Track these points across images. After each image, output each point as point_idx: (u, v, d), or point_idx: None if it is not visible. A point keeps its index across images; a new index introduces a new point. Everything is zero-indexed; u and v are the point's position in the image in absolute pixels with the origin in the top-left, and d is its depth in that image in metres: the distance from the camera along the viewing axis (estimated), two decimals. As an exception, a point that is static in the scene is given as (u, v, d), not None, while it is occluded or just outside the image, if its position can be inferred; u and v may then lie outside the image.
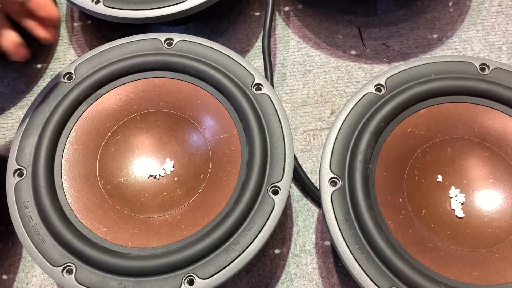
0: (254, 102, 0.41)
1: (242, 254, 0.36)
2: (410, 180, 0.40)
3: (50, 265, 0.36)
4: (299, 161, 0.49)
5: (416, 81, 0.42)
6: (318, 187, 0.46)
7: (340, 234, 0.36)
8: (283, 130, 0.40)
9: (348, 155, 0.39)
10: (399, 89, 0.41)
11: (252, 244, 0.36)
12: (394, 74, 0.42)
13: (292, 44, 0.57)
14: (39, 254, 0.37)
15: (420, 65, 0.43)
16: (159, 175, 0.42)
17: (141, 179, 0.42)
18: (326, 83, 0.54)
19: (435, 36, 0.57)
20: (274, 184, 0.38)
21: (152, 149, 0.43)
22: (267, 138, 0.40)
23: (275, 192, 0.38)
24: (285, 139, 0.40)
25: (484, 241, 0.38)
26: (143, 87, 0.44)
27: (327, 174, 0.39)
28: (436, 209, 0.40)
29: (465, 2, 0.59)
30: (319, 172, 0.39)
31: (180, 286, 0.35)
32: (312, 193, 0.48)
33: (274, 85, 0.53)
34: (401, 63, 0.45)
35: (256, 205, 0.38)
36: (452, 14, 0.58)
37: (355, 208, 0.37)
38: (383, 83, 0.42)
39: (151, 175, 0.42)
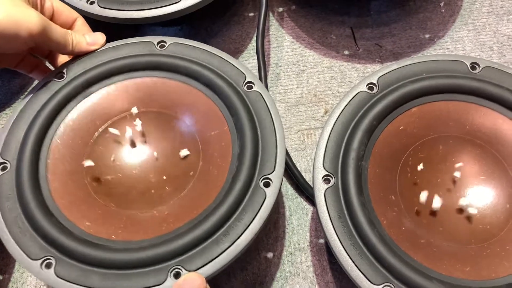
0: (245, 98, 0.41)
1: (233, 245, 0.35)
2: (403, 177, 0.41)
3: (28, 258, 0.35)
4: (293, 160, 0.50)
5: (407, 79, 0.42)
6: (312, 185, 0.46)
7: (333, 230, 0.37)
8: (274, 123, 0.40)
9: (341, 153, 0.40)
10: (391, 88, 0.42)
11: (242, 235, 0.36)
12: (386, 73, 0.43)
13: (285, 45, 0.57)
14: (17, 246, 0.36)
15: (411, 64, 0.43)
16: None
17: (129, 177, 0.42)
18: (320, 83, 0.55)
19: (427, 36, 0.57)
20: (265, 176, 0.38)
21: (142, 147, 0.43)
22: (258, 131, 0.40)
23: (267, 184, 0.38)
24: (277, 132, 0.40)
25: (476, 237, 0.38)
26: (134, 86, 0.44)
27: (321, 172, 0.39)
28: (429, 206, 0.40)
29: (456, 3, 0.59)
30: (313, 169, 0.39)
31: (166, 279, 0.34)
32: (306, 191, 0.48)
33: (268, 85, 0.53)
34: (393, 62, 0.45)
35: (247, 197, 0.37)
36: (443, 14, 0.59)
37: (348, 205, 0.37)
38: (375, 82, 0.42)
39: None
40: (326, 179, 0.39)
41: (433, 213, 0.40)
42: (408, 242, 0.37)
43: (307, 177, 0.49)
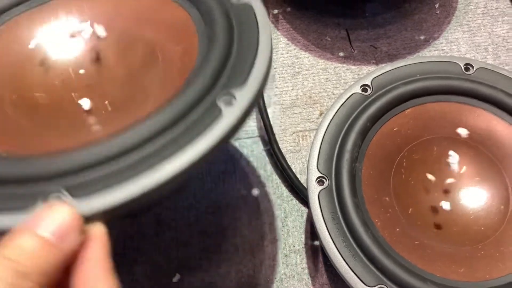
0: (228, 8, 0.33)
1: (148, 172, 0.24)
2: (397, 179, 0.41)
3: None
4: (288, 162, 0.50)
5: (401, 81, 0.42)
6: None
7: (327, 232, 0.37)
8: (259, 34, 0.31)
9: (335, 155, 0.40)
10: (385, 89, 0.42)
11: (168, 161, 0.25)
12: (380, 75, 0.43)
13: (281, 47, 0.58)
14: None
15: (405, 65, 0.43)
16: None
17: (64, 99, 0.34)
18: (315, 85, 0.55)
19: (422, 37, 0.57)
20: (229, 91, 0.28)
21: (91, 71, 0.36)
22: (235, 41, 0.31)
23: (228, 102, 0.27)
24: (260, 43, 0.30)
25: (470, 238, 0.38)
26: (97, 2, 0.37)
27: (314, 174, 0.39)
28: (423, 207, 0.40)
29: (451, 4, 0.60)
30: (307, 171, 0.39)
31: (32, 205, 0.23)
32: (301, 193, 0.48)
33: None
34: (387, 63, 0.45)
35: (193, 114, 0.27)
36: (438, 16, 0.59)
37: (342, 207, 0.37)
38: (369, 84, 0.42)
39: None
40: (320, 181, 0.39)
41: (428, 214, 0.40)
42: (402, 243, 0.37)
43: (302, 179, 0.49)
